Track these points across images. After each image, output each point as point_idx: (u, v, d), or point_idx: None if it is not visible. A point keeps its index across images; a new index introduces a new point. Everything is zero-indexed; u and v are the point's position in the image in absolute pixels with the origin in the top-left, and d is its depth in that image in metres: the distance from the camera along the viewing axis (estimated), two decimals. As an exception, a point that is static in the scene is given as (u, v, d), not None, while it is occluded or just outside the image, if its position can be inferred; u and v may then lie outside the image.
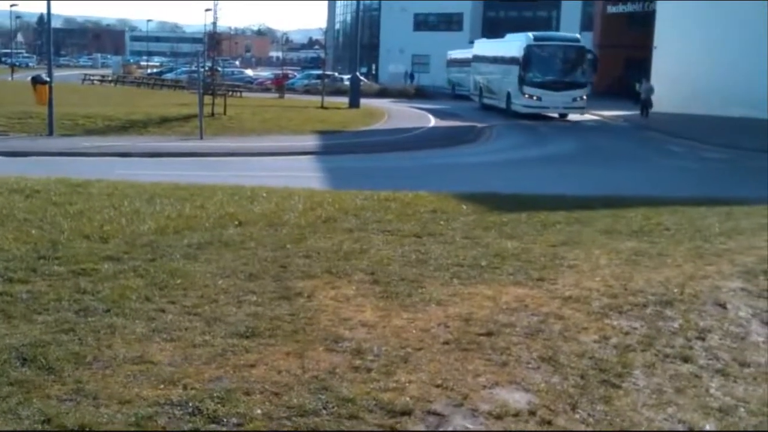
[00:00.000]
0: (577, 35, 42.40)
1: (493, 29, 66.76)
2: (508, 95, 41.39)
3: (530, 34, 40.90)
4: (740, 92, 37.81)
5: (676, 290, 8.35)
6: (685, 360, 6.60)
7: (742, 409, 5.78)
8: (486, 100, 46.40)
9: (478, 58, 49.30)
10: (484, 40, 51.95)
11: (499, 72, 44.02)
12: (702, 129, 33.57)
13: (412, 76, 73.90)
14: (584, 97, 39.99)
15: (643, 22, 48.63)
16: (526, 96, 39.25)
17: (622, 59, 55.26)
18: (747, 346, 7.02)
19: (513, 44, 41.52)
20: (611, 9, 58.63)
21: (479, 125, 35.87)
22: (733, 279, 8.86)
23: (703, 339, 7.09)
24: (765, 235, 11.27)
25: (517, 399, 5.72)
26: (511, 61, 40.99)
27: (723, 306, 7.96)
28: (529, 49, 39.21)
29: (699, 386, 6.13)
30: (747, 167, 24.37)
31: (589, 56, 40.36)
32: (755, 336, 7.27)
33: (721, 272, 9.12)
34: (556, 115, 40.80)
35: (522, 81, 39.36)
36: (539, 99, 39.11)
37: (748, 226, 11.98)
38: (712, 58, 39.55)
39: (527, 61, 39.20)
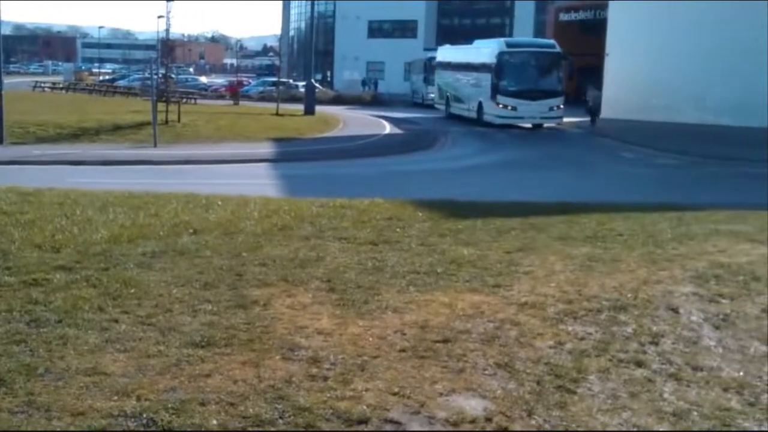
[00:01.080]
0: (552, 41, 40.33)
1: (447, 36, 67.10)
2: (480, 105, 39.30)
3: (502, 41, 39.59)
4: (690, 98, 38.42)
5: (629, 295, 8.44)
6: (639, 365, 6.66)
7: (695, 413, 5.84)
8: (454, 110, 44.20)
9: (443, 65, 46.97)
10: (448, 46, 49.83)
11: (468, 80, 41.95)
12: (652, 135, 34.03)
13: (376, 84, 73.20)
14: (561, 106, 37.92)
15: (595, 30, 49.19)
16: (500, 106, 37.29)
17: (575, 66, 55.80)
18: (699, 350, 7.11)
19: (484, 51, 39.81)
20: (563, 16, 59.28)
21: (435, 133, 35.94)
22: (685, 284, 8.98)
23: (657, 344, 7.16)
24: (715, 240, 11.45)
25: (474, 406, 5.74)
26: (483, 68, 38.98)
27: (675, 311, 8.07)
28: (501, 56, 37.34)
29: (653, 391, 6.19)
30: (697, 173, 24.74)
31: (564, 62, 38.75)
32: (707, 340, 7.37)
33: (673, 277, 9.24)
34: (529, 125, 38.83)
35: (495, 90, 37.35)
36: (514, 109, 37.19)
37: (699, 231, 12.15)
38: (662, 65, 40.05)
39: (500, 69, 37.19)
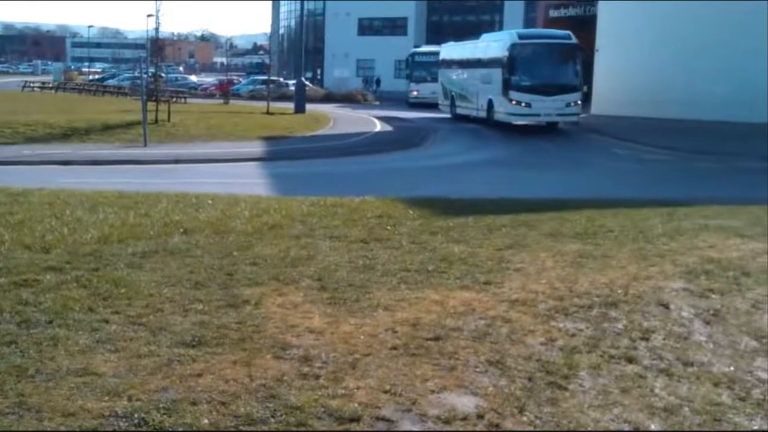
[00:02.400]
0: (567, 32, 35.82)
1: (437, 33, 67.21)
2: (490, 103, 36.26)
3: (514, 32, 36.78)
4: (680, 94, 38.48)
5: (620, 291, 8.47)
6: (630, 360, 6.68)
7: (686, 408, 5.86)
8: (460, 110, 41.18)
9: (447, 63, 44.28)
10: (452, 43, 46.95)
11: (476, 78, 38.80)
12: (642, 131, 34.07)
13: (378, 82, 71.49)
14: (579, 102, 34.83)
15: (585, 26, 49.21)
16: (513, 102, 34.13)
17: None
18: (690, 345, 7.13)
19: (493, 45, 36.92)
20: (553, 13, 59.25)
21: (427, 131, 35.90)
22: (675, 279, 9.01)
23: (647, 339, 7.19)
24: (705, 235, 11.49)
25: (465, 403, 5.74)
26: (492, 63, 35.99)
27: (666, 306, 8.09)
28: (514, 48, 34.16)
29: (644, 386, 6.21)
30: (686, 169, 24.80)
31: (583, 55, 35.18)
32: (698, 335, 7.39)
33: (663, 273, 9.27)
34: (544, 124, 35.73)
35: (507, 85, 34.19)
36: (528, 105, 33.96)
37: (689, 226, 12.19)
38: (652, 61, 40.08)
39: (513, 63, 34.06)
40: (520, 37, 35.23)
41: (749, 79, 36.20)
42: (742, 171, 23.95)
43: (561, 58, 34.92)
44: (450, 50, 45.07)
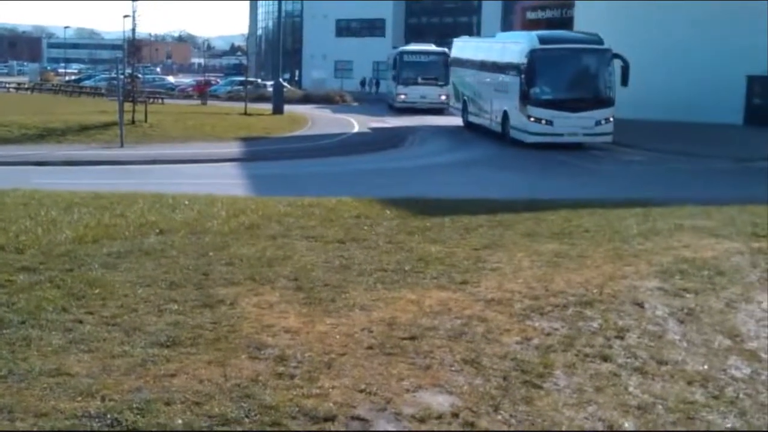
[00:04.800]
0: (597, 35, 29.82)
1: (415, 35, 67.14)
2: (505, 116, 30.60)
3: (534, 35, 30.54)
4: (657, 95, 38.67)
5: (595, 291, 8.51)
6: (605, 359, 6.71)
7: (660, 407, 5.89)
8: (473, 118, 35.80)
9: (459, 62, 38.72)
10: (466, 38, 42.41)
11: (490, 83, 33.16)
12: (619, 132, 34.13)
13: (378, 84, 68.70)
14: (611, 119, 28.71)
15: (563, 28, 49.37)
16: (531, 119, 28.42)
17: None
18: (664, 344, 7.17)
19: (511, 47, 31.06)
20: (531, 15, 59.42)
21: (405, 131, 35.87)
22: (650, 279, 9.06)
23: (622, 338, 7.22)
24: (680, 235, 11.55)
25: (441, 402, 5.75)
26: (509, 69, 30.46)
27: (641, 305, 8.14)
28: (534, 54, 28.47)
29: (618, 385, 6.24)
30: (662, 170, 24.94)
31: (618, 62, 28.83)
32: (672, 334, 7.44)
33: (638, 272, 9.32)
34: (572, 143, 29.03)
35: (525, 98, 28.57)
36: (549, 123, 28.24)
37: (664, 226, 12.25)
38: (629, 62, 40.27)
39: (532, 71, 28.40)
40: (541, 40, 29.36)
41: (728, 80, 36.53)
42: (717, 172, 24.14)
43: (590, 67, 29.44)
44: (463, 46, 39.74)
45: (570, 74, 29.31)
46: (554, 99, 28.52)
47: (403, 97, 47.78)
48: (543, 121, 28.34)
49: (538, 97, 28.50)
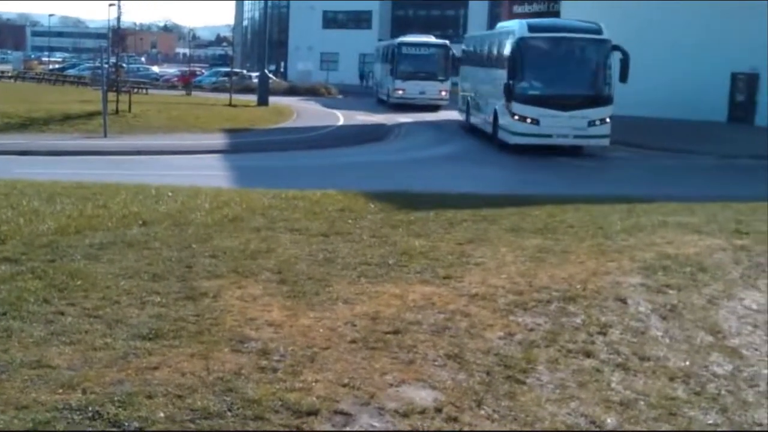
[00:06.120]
0: (597, 24, 26.55)
1: (402, 28, 66.97)
2: (495, 115, 27.34)
3: (524, 22, 27.26)
4: (643, 91, 38.73)
5: (578, 286, 8.52)
6: (588, 355, 6.73)
7: (642, 403, 5.92)
8: (474, 119, 32.30)
9: (466, 59, 35.26)
10: (476, 32, 39.42)
11: (485, 79, 30.28)
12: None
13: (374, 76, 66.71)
14: (607, 120, 25.43)
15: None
16: (516, 117, 25.31)
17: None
18: (646, 340, 7.20)
19: (503, 38, 27.79)
20: (517, 9, 59.45)
21: (388, 123, 35.85)
22: (633, 275, 9.09)
23: (605, 334, 7.24)
24: (663, 231, 11.60)
25: (424, 396, 5.75)
26: (498, 62, 27.58)
27: (623, 301, 8.16)
28: (521, 44, 25.27)
29: (601, 380, 6.26)
30: (648, 166, 25.03)
31: (617, 54, 25.45)
32: (654, 330, 7.46)
33: (621, 268, 9.34)
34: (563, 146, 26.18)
35: (510, 94, 25.33)
36: (535, 122, 25.01)
37: (648, 222, 12.29)
38: (613, 58, 40.29)
39: (517, 63, 25.25)
40: (531, 28, 26.10)
41: (714, 77, 36.71)
42: (700, 169, 24.27)
43: (585, 59, 26.09)
44: (470, 41, 36.05)
45: (561, 67, 25.78)
46: (541, 95, 25.32)
47: (400, 92, 44.25)
48: (528, 120, 25.09)
49: (523, 92, 25.21)
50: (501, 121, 26.64)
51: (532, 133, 25.19)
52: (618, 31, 36.72)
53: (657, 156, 26.79)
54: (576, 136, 25.38)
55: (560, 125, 25.06)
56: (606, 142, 25.82)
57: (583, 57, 26.08)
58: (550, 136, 25.21)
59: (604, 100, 25.45)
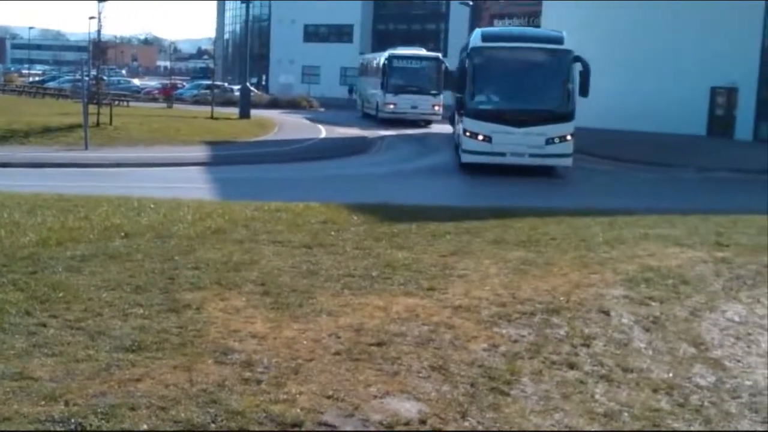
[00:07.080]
0: (560, 33, 24.44)
1: (383, 42, 67.09)
2: (461, 131, 24.65)
3: (479, 30, 25.80)
4: (624, 106, 39.02)
5: (562, 298, 8.54)
6: (571, 366, 6.74)
7: (626, 414, 5.92)
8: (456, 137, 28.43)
9: (456, 71, 29.57)
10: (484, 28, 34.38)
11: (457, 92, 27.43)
12: (586, 142, 34.45)
13: None
14: (568, 137, 23.13)
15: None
16: (467, 134, 23.49)
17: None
18: (630, 352, 7.22)
19: (466, 47, 25.44)
20: (498, 23, 59.93)
21: (370, 136, 35.87)
22: (616, 287, 9.12)
23: (588, 346, 7.26)
24: (645, 244, 11.66)
25: (408, 408, 5.74)
26: (461, 74, 24.61)
27: (607, 313, 8.18)
28: (473, 53, 23.63)
29: (584, 392, 6.26)
30: (628, 179, 25.16)
31: (576, 65, 22.98)
32: (637, 342, 7.48)
33: (604, 280, 9.38)
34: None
35: (461, 109, 24.33)
36: (487, 140, 22.91)
37: (630, 235, 12.35)
38: (594, 73, 40.51)
39: (470, 75, 23.55)
40: (485, 37, 24.20)
41: (695, 90, 37.04)
42: (680, 182, 24.42)
43: (542, 71, 23.65)
44: (461, 52, 29.99)
45: (516, 79, 23.63)
46: (494, 109, 23.39)
47: (392, 106, 42.66)
48: (480, 137, 23.01)
49: (475, 107, 23.32)
50: (461, 137, 24.58)
51: (484, 151, 23.10)
52: (597, 46, 36.98)
53: (636, 169, 26.93)
54: (532, 155, 23.05)
55: (514, 143, 22.76)
56: (568, 162, 23.67)
57: (540, 68, 23.64)
58: (503, 154, 23.00)
59: (565, 116, 23.18)
